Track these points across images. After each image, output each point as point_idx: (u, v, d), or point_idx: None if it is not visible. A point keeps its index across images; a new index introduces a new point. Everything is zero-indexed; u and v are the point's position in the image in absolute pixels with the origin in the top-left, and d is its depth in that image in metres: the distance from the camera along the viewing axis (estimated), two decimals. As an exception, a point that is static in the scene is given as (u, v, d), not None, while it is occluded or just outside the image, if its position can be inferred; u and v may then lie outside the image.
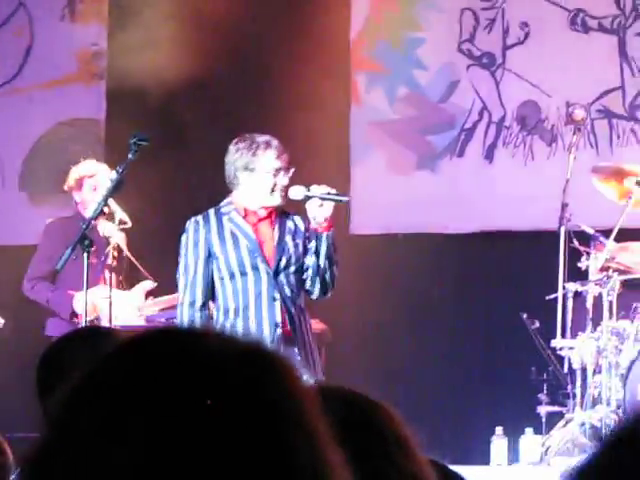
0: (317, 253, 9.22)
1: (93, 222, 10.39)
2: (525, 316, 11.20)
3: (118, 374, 1.87)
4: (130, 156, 10.13)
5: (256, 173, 9.20)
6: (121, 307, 10.56)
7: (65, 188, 11.36)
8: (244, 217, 9.32)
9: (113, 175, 10.50)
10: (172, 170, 11.96)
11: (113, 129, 13.00)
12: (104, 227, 10.77)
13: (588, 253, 10.32)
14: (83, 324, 10.58)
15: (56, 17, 13.74)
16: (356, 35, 13.10)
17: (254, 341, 1.88)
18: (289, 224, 9.35)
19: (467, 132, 12.93)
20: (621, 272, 10.11)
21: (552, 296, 10.42)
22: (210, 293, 9.31)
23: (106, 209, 10.53)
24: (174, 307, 10.86)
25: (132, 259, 11.27)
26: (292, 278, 9.31)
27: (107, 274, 10.74)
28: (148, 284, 11.18)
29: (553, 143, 12.56)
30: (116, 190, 10.36)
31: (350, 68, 13.08)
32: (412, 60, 13.06)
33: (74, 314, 10.90)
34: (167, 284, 10.90)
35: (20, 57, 13.79)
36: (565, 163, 10.65)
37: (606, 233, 10.16)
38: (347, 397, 2.65)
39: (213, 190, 9.93)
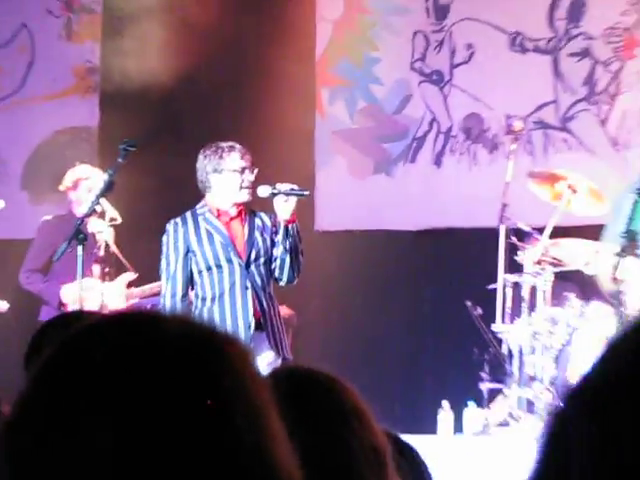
0: (284, 243, 9.24)
1: (86, 219, 10.39)
2: (469, 304, 11.20)
3: (77, 352, 1.85)
4: (120, 160, 10.11)
5: (224, 173, 9.19)
6: (106, 297, 10.53)
7: (61, 188, 11.33)
8: (217, 217, 9.31)
9: (105, 177, 10.50)
10: (161, 169, 11.92)
11: (105, 136, 12.96)
12: (94, 224, 10.73)
13: (524, 248, 10.33)
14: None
15: (54, 37, 13.68)
16: (320, 54, 13.06)
17: (213, 327, 1.88)
18: (257, 221, 9.35)
19: (418, 141, 12.90)
20: (554, 265, 10.11)
21: (493, 286, 10.42)
22: (189, 285, 9.33)
23: (98, 208, 10.51)
24: (156, 294, 10.91)
25: (118, 254, 11.25)
26: (262, 269, 9.31)
27: (95, 267, 10.70)
28: (129, 275, 11.15)
29: (494, 151, 12.54)
30: (107, 190, 10.33)
31: (315, 83, 13.05)
32: (370, 76, 13.03)
33: (61, 304, 10.91)
34: (153, 274, 10.89)
35: (23, 72, 13.73)
36: (505, 168, 10.64)
37: (540, 230, 10.16)
38: (312, 375, 2.65)
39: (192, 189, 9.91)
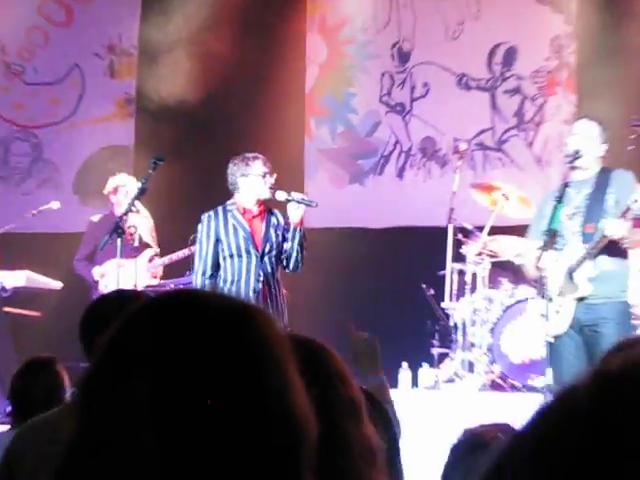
0: (292, 241, 9.29)
1: (124, 217, 10.39)
2: (424, 286, 11.22)
3: (144, 321, 1.86)
4: (150, 171, 10.14)
5: (250, 177, 9.27)
6: (134, 272, 10.57)
7: (105, 192, 11.35)
8: (242, 214, 9.37)
9: (139, 184, 10.52)
10: (187, 175, 11.93)
11: (138, 152, 12.95)
12: (132, 220, 10.76)
13: (467, 243, 10.36)
14: (100, 288, 10.70)
15: (100, 74, 13.68)
16: (309, 90, 13.10)
17: (242, 299, 1.88)
18: (273, 220, 9.40)
19: (385, 158, 12.91)
20: (490, 256, 10.16)
21: (442, 272, 10.46)
22: (216, 267, 9.37)
23: (134, 208, 10.53)
24: (174, 263, 10.98)
25: (149, 242, 11.26)
26: (273, 259, 9.35)
27: (129, 252, 10.73)
28: (151, 251, 11.18)
29: (444, 166, 12.57)
30: (141, 195, 10.36)
31: (305, 113, 13.03)
32: (348, 108, 13.04)
33: (96, 282, 10.97)
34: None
35: (75, 102, 13.70)
36: (452, 180, 10.65)
37: (480, 229, 10.20)
38: (302, 342, 2.58)
39: (213, 190, 9.94)
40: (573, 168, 8.98)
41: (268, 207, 9.47)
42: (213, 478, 1.72)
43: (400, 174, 12.89)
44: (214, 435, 1.70)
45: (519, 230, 9.84)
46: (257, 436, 1.76)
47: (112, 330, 1.83)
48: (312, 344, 2.64)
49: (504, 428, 3.30)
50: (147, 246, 11.24)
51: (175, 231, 11.16)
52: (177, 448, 1.72)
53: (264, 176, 9.27)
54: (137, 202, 10.60)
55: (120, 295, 5.30)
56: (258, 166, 9.29)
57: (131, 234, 10.83)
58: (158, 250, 11.27)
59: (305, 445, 1.80)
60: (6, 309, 11.75)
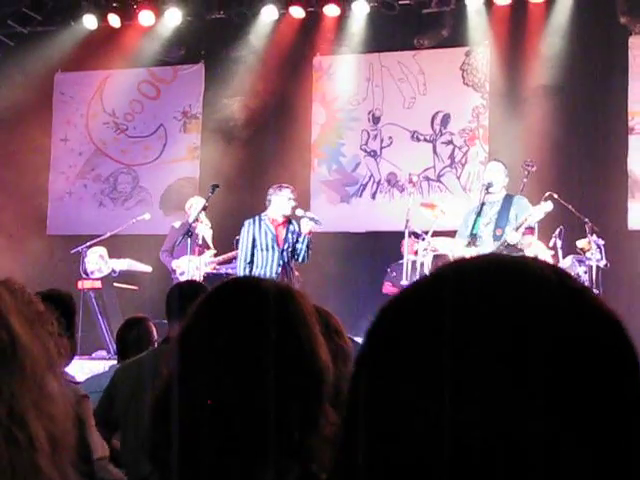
0: (302, 244, 9.41)
1: (193, 225, 10.38)
2: (388, 270, 11.19)
3: (220, 297, 1.88)
4: (210, 194, 10.16)
5: (280, 198, 9.35)
6: (198, 265, 10.55)
7: (185, 208, 11.36)
8: (271, 222, 9.43)
9: (203, 202, 10.51)
10: (234, 196, 11.89)
11: (202, 182, 12.94)
12: (198, 227, 10.73)
13: (418, 242, 10.31)
14: (177, 274, 10.69)
15: (177, 131, 13.68)
16: (314, 141, 13.07)
17: (283, 282, 1.90)
18: (291, 227, 9.51)
19: (363, 186, 12.88)
20: (432, 251, 10.11)
21: (401, 261, 10.37)
22: (252, 257, 9.42)
23: (200, 217, 10.53)
24: (227, 261, 10.95)
25: (210, 245, 11.24)
26: (289, 254, 9.45)
27: (197, 250, 10.69)
28: (211, 252, 11.15)
29: (402, 192, 12.54)
30: (203, 210, 10.39)
31: (311, 156, 13.02)
32: (339, 153, 13.02)
33: (173, 270, 10.92)
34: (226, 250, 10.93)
35: (160, 149, 13.70)
36: (408, 201, 10.63)
37: (426, 233, 10.16)
38: (317, 310, 2.59)
39: (253, 207, 9.96)
40: (487, 193, 9.02)
41: (289, 219, 9.55)
42: (264, 402, 1.73)
43: (373, 197, 12.86)
44: (266, 371, 1.73)
45: (451, 234, 9.83)
46: (295, 374, 1.77)
47: (199, 302, 1.87)
48: (323, 311, 2.63)
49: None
50: (207, 247, 11.21)
51: (226, 235, 11.14)
52: (248, 380, 1.74)
53: (289, 200, 9.42)
54: (202, 215, 10.61)
55: (191, 283, 5.34)
56: (286, 192, 9.50)
57: (197, 237, 10.80)
58: (215, 251, 11.25)
59: (326, 383, 1.81)
60: (115, 284, 11.77)
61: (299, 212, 9.58)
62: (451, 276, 0.94)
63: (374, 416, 0.90)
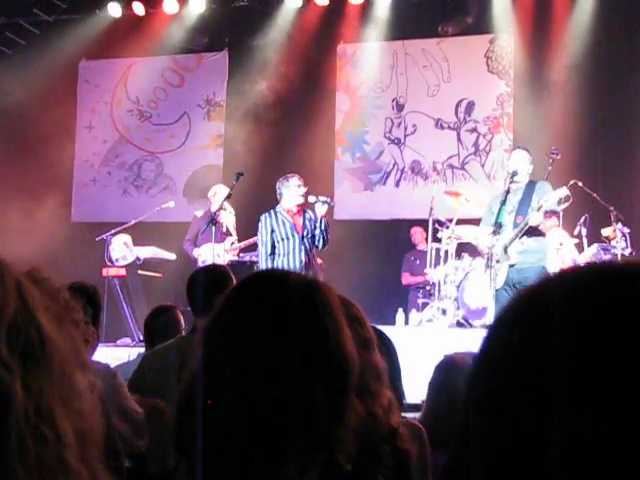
0: (319, 227, 9.35)
1: (217, 213, 10.39)
2: (412, 258, 11.20)
3: (249, 288, 1.89)
4: (234, 182, 10.16)
5: (290, 189, 9.33)
6: (218, 251, 10.54)
7: (208, 196, 11.34)
8: (287, 212, 9.41)
9: (227, 191, 10.53)
10: (256, 186, 11.86)
11: (226, 170, 12.97)
12: (222, 216, 10.73)
13: (442, 230, 10.30)
14: (199, 262, 10.71)
15: (201, 119, 13.74)
16: (338, 129, 13.07)
17: (310, 275, 1.91)
18: (307, 215, 9.45)
19: (387, 174, 12.88)
20: (457, 239, 10.09)
21: (417, 250, 10.37)
22: (273, 247, 9.40)
23: (224, 206, 10.54)
24: (249, 247, 10.96)
25: (232, 232, 11.23)
26: (309, 240, 9.40)
27: (220, 237, 10.71)
28: (232, 238, 11.12)
29: (426, 180, 12.53)
30: (227, 198, 10.40)
31: (335, 144, 13.02)
32: (363, 140, 13.02)
33: (195, 259, 10.93)
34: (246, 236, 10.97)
35: (184, 137, 13.76)
36: (432, 189, 10.62)
37: (450, 221, 10.15)
38: (341, 300, 2.58)
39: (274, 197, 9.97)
40: (512, 182, 8.99)
41: (304, 207, 9.54)
42: (289, 394, 1.73)
43: (397, 184, 12.86)
44: (292, 363, 1.73)
45: (476, 222, 9.81)
46: (321, 366, 1.78)
47: (225, 295, 1.88)
48: (345, 299, 2.62)
49: (470, 354, 3.28)
50: (229, 234, 11.20)
51: (249, 222, 11.14)
52: (274, 372, 1.75)
53: (298, 187, 9.39)
54: (225, 203, 10.61)
55: (214, 268, 5.35)
56: (294, 181, 9.46)
57: (221, 225, 10.80)
58: (237, 238, 11.24)
59: (353, 374, 1.82)
60: (140, 272, 11.81)
61: (311, 199, 9.54)
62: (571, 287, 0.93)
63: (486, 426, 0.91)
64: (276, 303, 1.80)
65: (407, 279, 11.78)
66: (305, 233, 9.44)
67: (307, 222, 9.50)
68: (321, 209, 9.43)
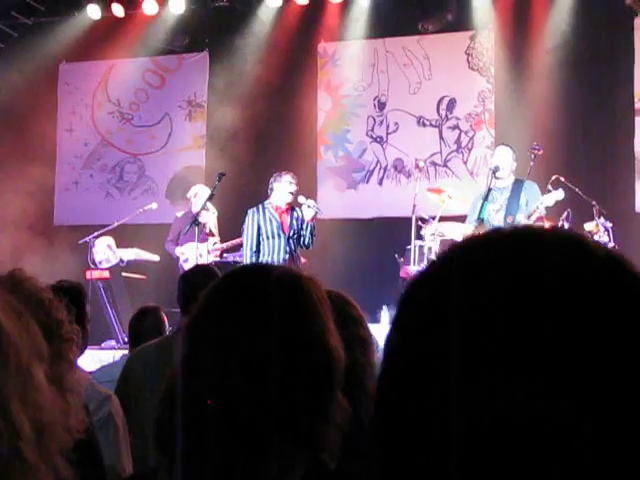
0: (306, 230, 9.37)
1: (199, 213, 10.37)
2: (396, 255, 11.18)
3: (229, 284, 1.87)
4: (217, 182, 10.14)
5: (281, 184, 9.35)
6: (201, 252, 10.50)
7: (187, 196, 11.33)
8: (275, 210, 9.41)
9: (208, 191, 10.51)
10: (239, 185, 11.88)
11: (208, 170, 12.95)
12: (204, 216, 10.70)
13: (425, 227, 10.29)
14: (181, 261, 10.69)
15: (182, 120, 13.69)
16: (320, 128, 13.06)
17: (294, 269, 1.90)
18: (295, 214, 9.47)
19: (370, 172, 12.88)
20: (440, 236, 10.08)
21: (408, 247, 10.36)
22: (259, 245, 9.40)
23: (206, 207, 10.51)
24: (233, 248, 10.95)
25: (215, 232, 11.22)
26: (295, 240, 9.43)
27: (202, 237, 10.68)
28: (214, 239, 11.11)
29: (409, 177, 12.53)
30: (210, 199, 10.37)
31: (317, 143, 13.01)
32: (345, 139, 13.00)
33: (177, 257, 10.92)
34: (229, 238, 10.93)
35: (166, 138, 13.72)
36: (414, 186, 10.59)
37: (433, 218, 10.13)
38: (334, 296, 2.53)
39: (257, 195, 9.94)
40: (495, 178, 9.00)
41: (292, 206, 9.55)
42: (271, 391, 1.72)
43: (380, 182, 12.85)
44: (274, 359, 1.72)
45: (459, 219, 9.82)
46: (303, 362, 1.76)
47: (208, 290, 1.87)
48: (340, 298, 2.60)
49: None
50: (212, 235, 11.18)
51: (232, 223, 11.13)
52: (255, 368, 1.74)
53: (290, 184, 9.40)
54: (208, 203, 10.59)
55: (202, 267, 5.35)
56: (287, 178, 9.47)
57: (203, 226, 10.77)
58: (219, 239, 11.23)
59: (337, 370, 1.80)
60: (124, 274, 11.79)
61: (301, 199, 9.57)
62: (467, 255, 0.92)
63: (400, 408, 0.90)
64: (258, 298, 1.79)
65: (406, 272, 11.77)
66: (291, 233, 9.45)
67: (294, 221, 9.51)
68: (308, 212, 9.45)
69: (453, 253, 0.94)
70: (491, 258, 0.88)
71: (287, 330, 1.75)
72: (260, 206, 9.60)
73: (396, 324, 0.96)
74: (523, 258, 0.87)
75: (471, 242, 0.94)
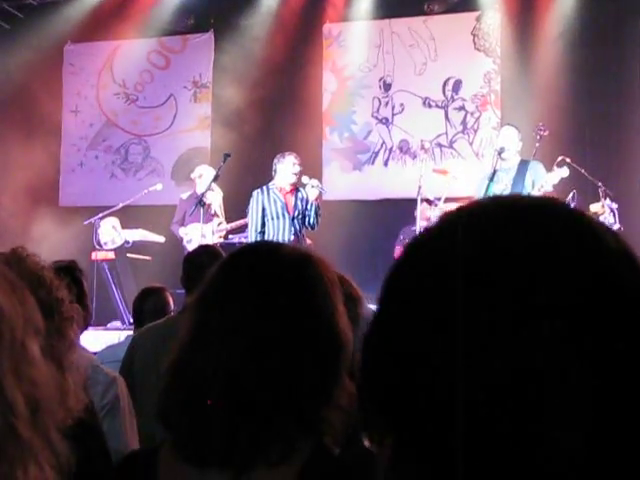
0: (310, 210, 9.38)
1: (204, 194, 10.36)
2: (401, 237, 11.17)
3: (240, 261, 1.85)
4: (222, 163, 10.14)
5: (284, 164, 9.35)
6: (205, 232, 10.48)
7: (192, 177, 11.32)
8: (279, 191, 9.42)
9: (213, 173, 10.50)
10: (244, 165, 11.88)
11: (213, 151, 12.93)
12: (209, 196, 10.68)
13: (430, 208, 10.28)
14: (185, 242, 10.69)
15: (187, 100, 13.65)
16: (325, 109, 13.03)
17: (304, 249, 1.89)
18: (299, 195, 9.48)
19: (376, 153, 12.86)
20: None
21: (413, 227, 10.35)
22: (262, 225, 9.42)
23: (211, 187, 10.51)
24: (238, 229, 10.94)
25: (219, 213, 11.20)
26: (299, 221, 9.43)
27: (207, 218, 10.67)
28: (219, 219, 11.11)
29: (414, 159, 12.49)
30: (215, 180, 10.38)
31: (322, 124, 12.98)
32: (350, 120, 12.97)
33: (181, 238, 10.92)
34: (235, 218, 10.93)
35: (171, 119, 13.68)
36: (420, 168, 10.56)
37: (439, 199, 10.13)
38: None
39: (261, 176, 9.92)
40: (500, 159, 8.98)
41: (297, 186, 9.55)
42: (277, 371, 1.72)
43: (386, 164, 12.83)
44: (281, 339, 1.71)
45: (464, 200, 9.79)
46: (311, 342, 1.75)
47: (215, 268, 1.86)
48: (343, 279, 2.60)
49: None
50: (217, 216, 11.17)
51: (237, 204, 11.11)
52: (262, 348, 1.73)
53: (294, 165, 9.42)
54: (213, 184, 10.59)
55: (206, 248, 5.35)
56: (290, 159, 9.48)
57: (208, 206, 10.75)
58: (224, 219, 11.22)
59: (344, 354, 1.79)
60: (129, 255, 11.80)
61: (305, 179, 9.57)
62: (463, 221, 0.94)
63: (387, 373, 0.90)
64: (267, 276, 1.78)
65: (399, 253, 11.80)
66: (296, 214, 9.45)
67: (299, 202, 9.51)
68: (312, 192, 9.45)
69: (455, 218, 0.96)
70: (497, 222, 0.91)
71: (295, 309, 1.74)
72: (265, 187, 9.61)
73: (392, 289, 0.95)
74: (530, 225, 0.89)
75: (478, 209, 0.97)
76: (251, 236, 9.59)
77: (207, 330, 1.78)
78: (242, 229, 10.84)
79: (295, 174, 9.50)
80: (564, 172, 8.80)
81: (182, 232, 10.98)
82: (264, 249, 1.92)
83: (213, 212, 11.02)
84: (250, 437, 1.71)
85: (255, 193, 9.61)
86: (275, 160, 9.65)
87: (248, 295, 1.76)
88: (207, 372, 1.74)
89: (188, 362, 1.78)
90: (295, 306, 1.75)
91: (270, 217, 9.46)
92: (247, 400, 1.71)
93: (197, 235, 10.42)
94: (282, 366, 1.70)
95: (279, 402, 1.71)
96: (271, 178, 9.73)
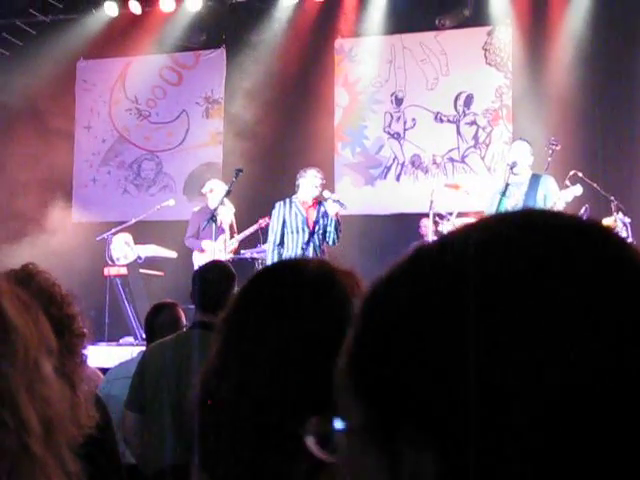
0: (330, 226, 9.41)
1: (216, 210, 10.38)
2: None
3: (264, 281, 1.86)
4: (234, 179, 10.16)
5: (307, 179, 9.39)
6: (219, 246, 10.48)
7: (203, 192, 11.32)
8: (301, 204, 9.46)
9: (226, 187, 10.51)
10: (257, 179, 11.88)
11: (225, 166, 12.95)
12: (221, 212, 10.68)
13: (442, 223, 10.26)
14: (204, 258, 10.69)
15: (199, 117, 13.70)
16: (337, 124, 13.05)
17: (327, 262, 1.89)
18: (321, 209, 9.53)
19: (387, 168, 12.87)
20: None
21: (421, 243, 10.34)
22: (282, 239, 9.47)
23: (223, 203, 10.51)
24: (251, 235, 10.95)
25: (233, 227, 11.20)
26: (319, 236, 9.47)
27: (218, 234, 10.67)
28: (223, 237, 11.07)
29: (427, 173, 12.51)
30: (227, 195, 10.37)
31: (334, 139, 13.00)
32: (362, 135, 12.99)
33: (201, 250, 10.93)
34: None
35: (183, 134, 13.75)
36: (432, 182, 10.58)
37: (451, 214, 10.11)
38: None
39: (275, 190, 9.93)
40: (512, 173, 8.97)
41: (319, 200, 9.60)
42: (304, 393, 1.71)
43: (398, 178, 12.84)
44: (306, 360, 1.71)
45: (476, 215, 9.78)
46: (334, 362, 1.74)
47: (240, 289, 1.86)
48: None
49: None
50: (231, 231, 11.18)
51: (248, 219, 11.12)
52: (284, 369, 1.73)
53: (315, 178, 9.48)
54: (225, 199, 10.59)
55: (216, 263, 5.34)
56: (312, 172, 9.55)
57: (220, 221, 10.76)
58: (236, 233, 11.22)
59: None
60: (141, 270, 11.81)
61: (326, 194, 9.62)
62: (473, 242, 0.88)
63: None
64: (290, 298, 1.77)
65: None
66: (317, 229, 9.49)
67: (320, 218, 9.54)
68: (333, 208, 9.50)
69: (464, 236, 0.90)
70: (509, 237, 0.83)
71: (320, 332, 1.73)
72: (287, 200, 9.69)
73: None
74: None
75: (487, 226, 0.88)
76: (269, 249, 9.68)
77: (231, 351, 1.79)
78: (252, 239, 10.84)
79: (317, 187, 9.58)
80: (577, 190, 8.78)
81: (204, 245, 10.96)
82: (288, 268, 1.92)
83: (223, 228, 11.03)
84: (277, 459, 1.71)
85: (277, 205, 9.68)
86: (298, 175, 9.69)
87: (272, 316, 1.75)
88: (231, 396, 1.74)
89: (213, 383, 1.78)
90: (320, 326, 1.75)
91: (290, 230, 9.52)
92: (272, 424, 1.71)
93: (211, 251, 10.43)
94: (307, 388, 1.70)
95: (304, 425, 1.70)
96: (285, 193, 9.76)
